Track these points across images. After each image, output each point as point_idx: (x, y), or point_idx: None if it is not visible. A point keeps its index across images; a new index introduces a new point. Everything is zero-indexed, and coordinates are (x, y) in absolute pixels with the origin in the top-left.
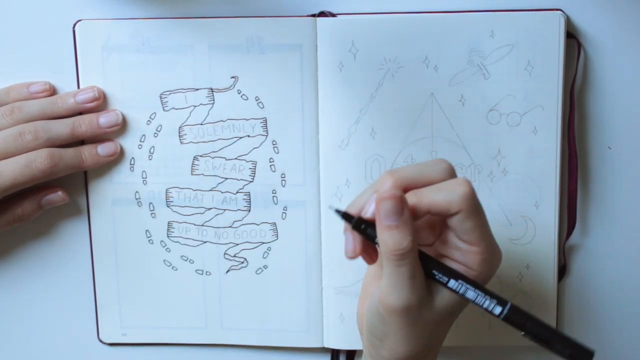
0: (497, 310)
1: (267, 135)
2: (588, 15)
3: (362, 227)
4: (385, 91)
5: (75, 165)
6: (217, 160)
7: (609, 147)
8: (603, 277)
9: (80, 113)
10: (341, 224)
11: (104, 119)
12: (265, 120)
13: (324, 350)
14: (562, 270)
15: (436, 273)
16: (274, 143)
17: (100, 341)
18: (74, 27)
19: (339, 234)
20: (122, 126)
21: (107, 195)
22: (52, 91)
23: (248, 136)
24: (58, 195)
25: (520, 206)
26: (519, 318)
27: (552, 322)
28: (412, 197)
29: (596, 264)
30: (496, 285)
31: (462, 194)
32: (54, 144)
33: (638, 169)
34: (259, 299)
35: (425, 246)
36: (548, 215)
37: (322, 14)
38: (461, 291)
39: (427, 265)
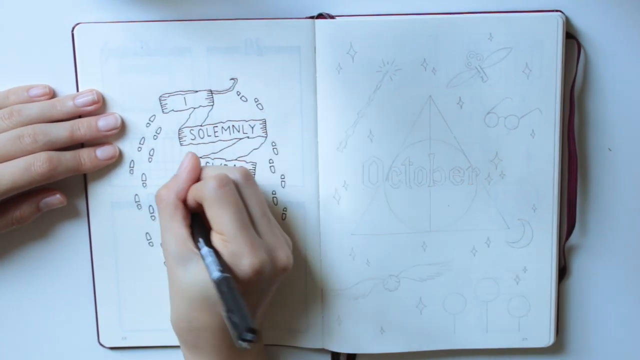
0: (215, 275)
1: (266, 137)
2: (588, 16)
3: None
4: (383, 94)
5: (74, 169)
6: (217, 162)
7: (609, 149)
8: (603, 278)
9: (80, 116)
10: (342, 224)
11: (102, 122)
12: (264, 122)
13: (324, 350)
14: (563, 271)
15: (199, 239)
16: (274, 144)
17: (101, 345)
18: (72, 30)
19: (338, 235)
20: (121, 129)
21: (106, 198)
22: (52, 94)
23: (248, 137)
24: (56, 198)
25: (518, 209)
26: (225, 290)
27: (551, 324)
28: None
29: (596, 265)
30: (493, 288)
31: (206, 186)
32: (53, 147)
33: (638, 171)
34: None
35: None
36: (545, 218)
37: (320, 16)
38: (203, 254)
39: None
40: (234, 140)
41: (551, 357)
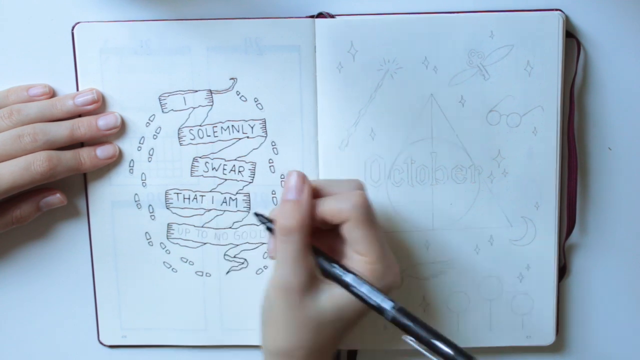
0: (388, 305)
1: (266, 136)
2: (588, 15)
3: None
4: (384, 92)
5: (74, 168)
6: (217, 162)
7: (609, 148)
8: (603, 277)
9: (80, 115)
10: None
11: (102, 122)
12: (264, 122)
13: None
14: (563, 270)
15: (334, 265)
16: (273, 144)
17: (101, 343)
18: (72, 29)
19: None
20: (121, 128)
21: (106, 197)
22: (52, 94)
23: (247, 137)
24: (56, 198)
25: (521, 207)
26: (406, 319)
27: (552, 322)
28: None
29: (596, 264)
30: (496, 286)
31: (353, 202)
32: (52, 146)
33: (638, 170)
34: (259, 300)
35: None
36: (548, 215)
37: (320, 15)
38: (353, 283)
39: (325, 263)
40: (234, 140)
41: (552, 355)
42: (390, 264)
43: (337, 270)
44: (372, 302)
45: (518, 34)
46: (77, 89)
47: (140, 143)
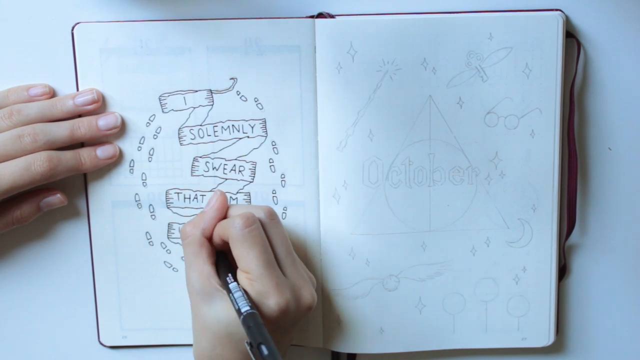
0: (245, 309)
1: (266, 136)
2: (588, 15)
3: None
4: (383, 93)
5: (74, 168)
6: (217, 161)
7: (609, 148)
8: (603, 277)
9: (79, 115)
10: (341, 223)
11: (103, 122)
12: (264, 121)
13: (324, 350)
14: (563, 270)
15: (227, 275)
16: (274, 144)
17: (101, 344)
18: (72, 29)
19: (338, 235)
20: (121, 128)
21: (106, 197)
22: (52, 94)
23: (247, 137)
24: (57, 198)
25: (518, 209)
26: (251, 324)
27: (551, 323)
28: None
29: (596, 264)
30: (492, 288)
31: (232, 224)
32: (52, 146)
33: (638, 170)
34: None
35: None
36: (545, 218)
37: (320, 15)
38: (232, 289)
39: (221, 270)
40: (234, 140)
41: (551, 357)
42: (277, 284)
43: (229, 278)
44: (235, 306)
45: (517, 36)
46: (77, 89)
47: (140, 143)
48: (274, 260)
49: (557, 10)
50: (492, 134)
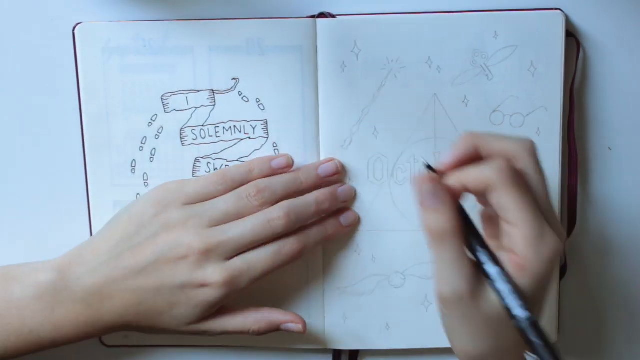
0: (522, 314)
1: (267, 137)
2: (587, 14)
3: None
4: (387, 91)
5: (320, 242)
6: (219, 162)
7: (609, 148)
8: (603, 277)
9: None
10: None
11: (343, 194)
12: (266, 122)
13: (325, 351)
14: (563, 270)
15: (480, 251)
16: (275, 145)
17: (102, 343)
18: (73, 29)
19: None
20: (122, 128)
21: (108, 197)
22: (293, 164)
23: (249, 138)
24: (297, 327)
25: None
26: (534, 336)
27: (553, 322)
28: (454, 175)
29: (596, 264)
30: None
31: (496, 167)
32: (300, 224)
33: (638, 170)
34: (259, 300)
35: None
36: None
37: (321, 15)
38: (494, 277)
39: (475, 248)
40: (236, 141)
41: None
42: (546, 233)
43: (483, 257)
44: (505, 304)
45: (522, 34)
46: (79, 90)
47: (142, 143)
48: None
49: (556, 9)
50: (497, 132)
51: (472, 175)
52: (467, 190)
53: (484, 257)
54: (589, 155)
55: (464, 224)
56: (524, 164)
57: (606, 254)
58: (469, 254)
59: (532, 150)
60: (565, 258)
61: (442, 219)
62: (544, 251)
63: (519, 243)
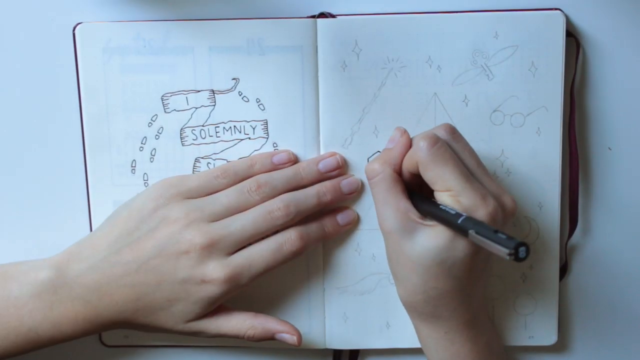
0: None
1: (267, 137)
2: (587, 14)
3: None
4: (388, 90)
5: (319, 240)
6: (219, 162)
7: (609, 148)
8: (604, 277)
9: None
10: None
11: (346, 186)
12: (266, 122)
13: (326, 351)
14: (563, 269)
15: (442, 206)
16: (275, 145)
17: (102, 344)
18: (74, 29)
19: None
20: (123, 128)
21: (108, 197)
22: (295, 159)
23: (249, 138)
24: (292, 339)
25: (524, 207)
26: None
27: (555, 322)
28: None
29: (597, 264)
30: (499, 286)
31: (419, 149)
32: (300, 218)
33: (638, 169)
34: (259, 299)
35: None
36: (552, 216)
37: (322, 15)
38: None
39: (430, 205)
40: (236, 141)
41: (554, 355)
42: (482, 195)
43: (432, 202)
44: (449, 218)
45: (522, 34)
46: (79, 90)
47: (142, 143)
48: (469, 173)
49: (556, 9)
50: (498, 132)
51: (407, 162)
52: (408, 170)
53: (434, 201)
54: (589, 155)
55: (407, 188)
56: (443, 136)
57: (607, 253)
58: (406, 204)
59: (448, 127)
60: (566, 258)
61: (378, 159)
62: (478, 212)
63: (454, 204)
